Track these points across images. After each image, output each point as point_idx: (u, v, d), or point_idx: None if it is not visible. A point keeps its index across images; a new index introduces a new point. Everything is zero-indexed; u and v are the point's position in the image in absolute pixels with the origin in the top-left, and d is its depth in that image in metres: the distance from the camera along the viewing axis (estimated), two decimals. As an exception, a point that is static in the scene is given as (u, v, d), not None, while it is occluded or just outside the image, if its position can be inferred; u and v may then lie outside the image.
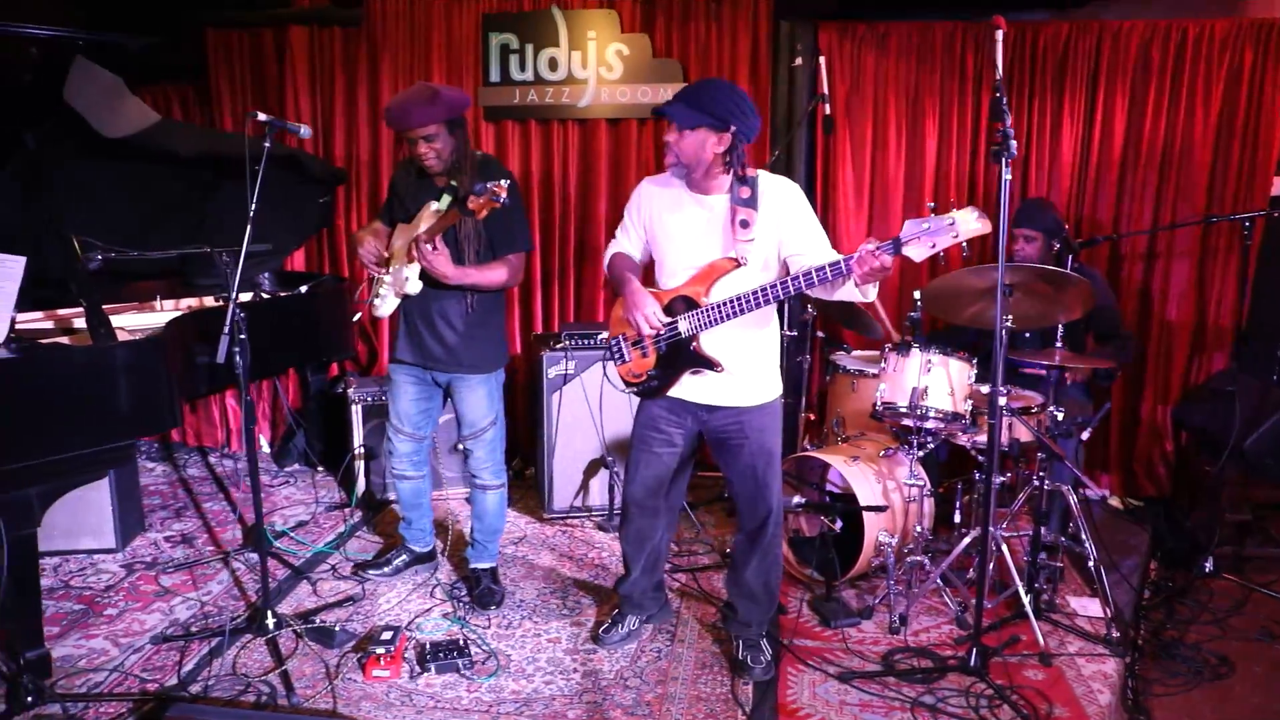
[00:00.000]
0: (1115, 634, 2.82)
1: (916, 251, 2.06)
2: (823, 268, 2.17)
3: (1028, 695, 2.50)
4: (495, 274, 2.82)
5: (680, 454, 2.62)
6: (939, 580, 2.99)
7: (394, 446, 3.11)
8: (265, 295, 3.89)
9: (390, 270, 2.90)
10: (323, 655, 2.66)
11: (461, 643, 2.68)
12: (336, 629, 2.78)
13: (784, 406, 2.64)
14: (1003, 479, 2.97)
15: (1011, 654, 2.72)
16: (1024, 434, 3.04)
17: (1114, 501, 4.15)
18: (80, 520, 3.31)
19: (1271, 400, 3.34)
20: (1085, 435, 3.01)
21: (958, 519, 3.13)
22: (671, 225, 2.46)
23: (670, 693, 2.53)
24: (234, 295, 2.52)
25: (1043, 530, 2.95)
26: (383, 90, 4.27)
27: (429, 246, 2.67)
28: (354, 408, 3.92)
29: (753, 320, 2.39)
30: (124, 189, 3.14)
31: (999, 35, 2.41)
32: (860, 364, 3.54)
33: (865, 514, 2.99)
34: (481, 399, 2.96)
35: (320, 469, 4.37)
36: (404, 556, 3.25)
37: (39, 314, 3.04)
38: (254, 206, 2.51)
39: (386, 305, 2.94)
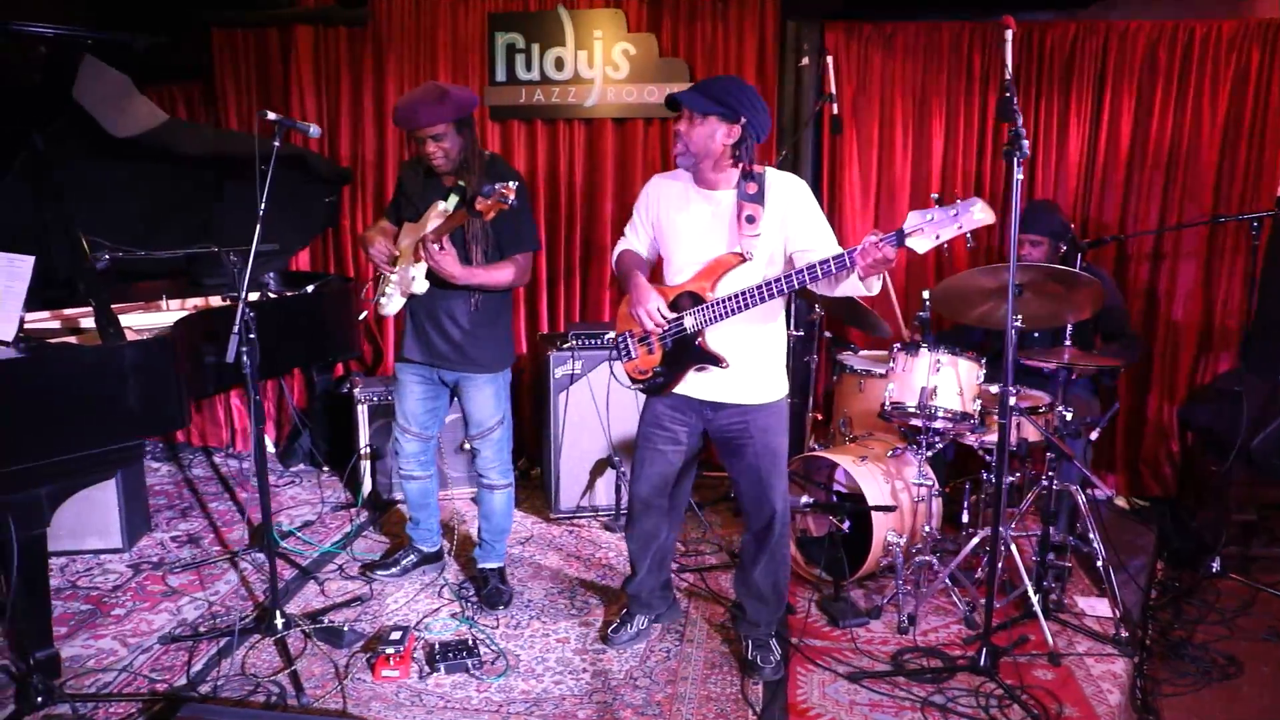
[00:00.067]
0: (1124, 634, 2.82)
1: (920, 243, 2.06)
2: (826, 261, 2.17)
3: (1038, 695, 2.50)
4: (502, 274, 2.82)
5: (686, 452, 2.61)
6: (947, 580, 2.99)
7: (401, 447, 3.11)
8: (272, 295, 3.88)
9: (397, 269, 2.90)
10: (331, 655, 2.66)
11: (470, 643, 2.67)
12: (345, 629, 2.78)
13: (791, 407, 2.64)
14: (1011, 479, 2.97)
15: (1021, 654, 2.72)
16: (1031, 434, 3.04)
17: (1120, 501, 4.15)
18: (87, 520, 3.30)
19: (1278, 400, 3.34)
20: (1094, 435, 3.01)
21: (965, 519, 3.13)
22: (678, 221, 2.47)
23: (680, 692, 2.53)
24: (243, 295, 2.52)
25: (1051, 530, 2.95)
26: (388, 90, 4.27)
27: (436, 246, 2.66)
28: (360, 407, 3.92)
29: (758, 317, 2.40)
30: (131, 188, 3.14)
31: (1008, 35, 2.40)
32: (867, 364, 3.53)
33: (874, 514, 2.99)
34: (489, 398, 2.96)
35: (326, 469, 4.36)
36: (412, 557, 3.24)
37: (45, 313, 3.04)
38: (263, 206, 2.51)
39: (393, 304, 2.94)
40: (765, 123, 2.35)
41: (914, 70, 4.02)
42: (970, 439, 3.10)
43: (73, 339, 2.82)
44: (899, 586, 2.94)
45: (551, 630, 2.88)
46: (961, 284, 3.11)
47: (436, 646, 2.67)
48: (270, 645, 2.70)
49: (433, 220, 2.76)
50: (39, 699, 2.32)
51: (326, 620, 2.88)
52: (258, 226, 2.51)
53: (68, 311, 3.08)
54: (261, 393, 4.47)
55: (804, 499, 3.13)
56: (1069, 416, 2.93)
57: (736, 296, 2.31)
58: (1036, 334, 3.45)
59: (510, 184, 2.48)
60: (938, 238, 2.04)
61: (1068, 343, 3.01)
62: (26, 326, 2.54)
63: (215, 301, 3.65)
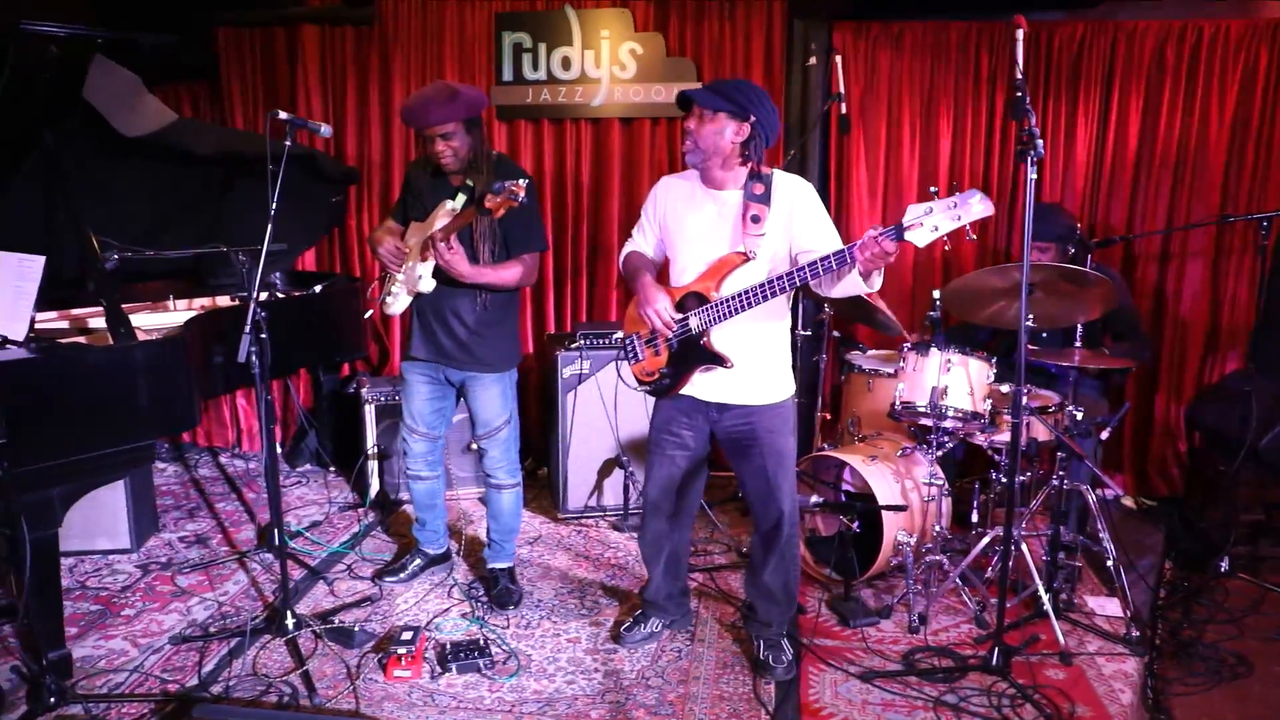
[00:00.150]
0: (1135, 633, 2.82)
1: (919, 236, 2.06)
2: (827, 257, 2.18)
3: (1050, 695, 2.50)
4: (509, 273, 2.82)
5: (693, 455, 2.61)
6: (957, 580, 2.99)
7: (408, 447, 3.10)
8: (280, 295, 3.88)
9: (404, 268, 2.89)
10: (343, 656, 2.66)
11: (482, 643, 2.67)
12: (355, 629, 2.77)
13: (799, 407, 2.63)
14: (1021, 478, 2.97)
15: (1032, 653, 2.72)
16: (1041, 433, 3.04)
17: (1127, 501, 4.15)
18: (95, 521, 3.29)
19: (1287, 400, 3.34)
20: (1105, 435, 3.01)
21: (975, 518, 3.13)
22: (684, 220, 2.47)
23: (693, 692, 2.52)
24: (254, 294, 2.52)
25: (1061, 529, 2.95)
26: (394, 90, 4.26)
27: (444, 245, 2.66)
28: (367, 408, 3.91)
29: (763, 317, 2.40)
30: (139, 188, 3.13)
31: (1020, 35, 2.40)
32: (876, 363, 3.53)
33: (885, 514, 2.99)
34: (495, 397, 2.96)
35: (332, 469, 4.36)
36: (419, 560, 3.24)
37: (53, 314, 3.03)
38: (274, 206, 2.51)
39: (399, 303, 2.94)
40: (774, 124, 2.36)
41: (921, 70, 4.02)
42: (980, 439, 3.10)
43: (81, 339, 2.81)
44: (909, 586, 2.93)
45: (562, 630, 2.88)
46: (972, 284, 3.11)
47: (448, 646, 2.67)
48: (281, 646, 2.70)
49: (441, 219, 2.76)
50: (52, 699, 2.31)
51: (337, 620, 2.87)
52: (270, 226, 2.50)
53: (74, 312, 3.07)
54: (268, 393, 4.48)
55: (813, 498, 3.13)
56: (1079, 416, 2.93)
57: (739, 296, 2.32)
58: (1045, 334, 3.45)
59: (520, 181, 2.50)
60: (936, 229, 2.04)
61: (1078, 343, 3.01)
62: (36, 327, 2.54)
63: (222, 301, 3.64)
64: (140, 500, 3.44)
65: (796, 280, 2.25)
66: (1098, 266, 3.46)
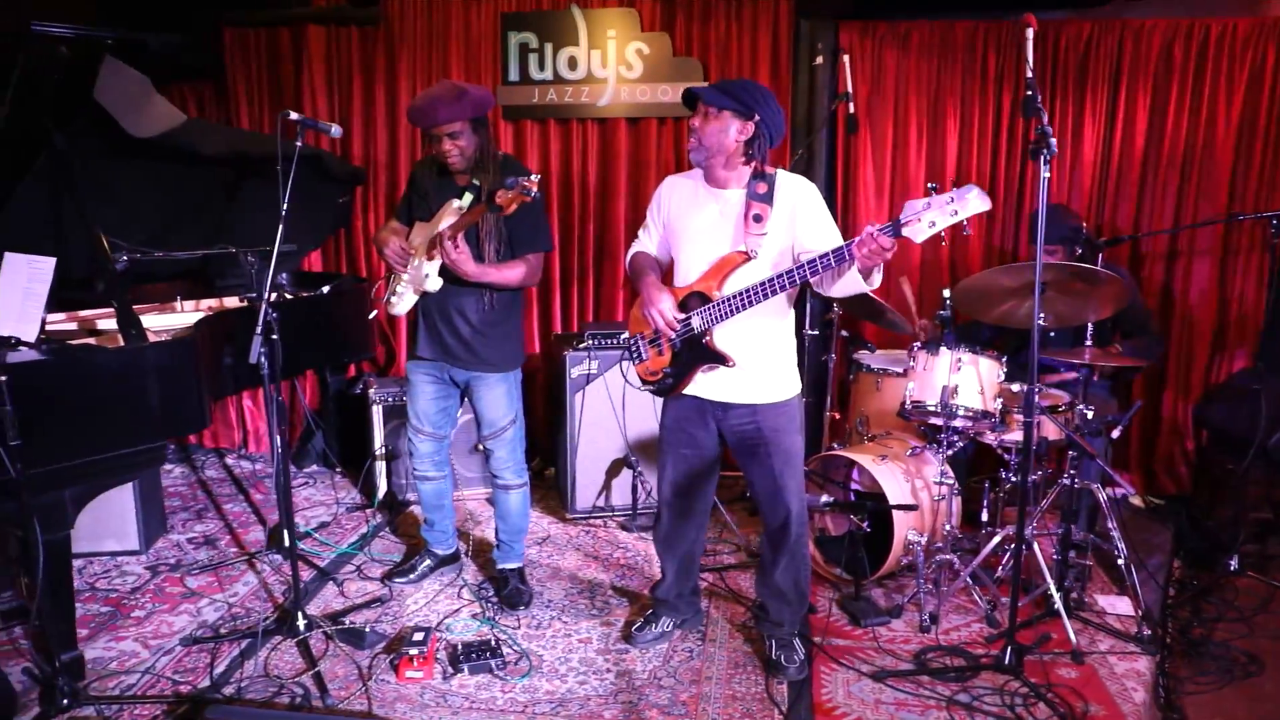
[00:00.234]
0: (1146, 632, 2.82)
1: (916, 231, 2.06)
2: (826, 254, 2.18)
3: (1063, 693, 2.50)
4: (514, 273, 2.81)
5: (703, 455, 2.61)
6: (968, 579, 2.98)
7: (414, 447, 3.10)
8: (287, 295, 3.88)
9: (409, 267, 2.89)
10: (354, 657, 2.66)
11: (493, 643, 2.67)
12: (366, 630, 2.77)
13: (807, 406, 2.63)
14: (1032, 477, 2.96)
15: (1044, 652, 2.72)
16: (1051, 432, 3.03)
17: (1135, 500, 4.15)
18: (104, 522, 3.29)
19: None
20: (1115, 434, 3.00)
21: (985, 517, 3.13)
22: (687, 219, 2.48)
23: (705, 692, 2.52)
24: (265, 295, 2.51)
25: (1072, 528, 2.95)
26: (400, 90, 4.26)
27: (451, 244, 2.66)
28: (375, 408, 3.91)
29: (766, 315, 2.40)
30: (148, 189, 3.13)
31: (1029, 33, 2.39)
32: (884, 363, 3.53)
33: (895, 513, 2.98)
34: (500, 397, 2.95)
35: (339, 470, 4.36)
36: (428, 561, 3.23)
37: (61, 315, 3.03)
38: (285, 206, 2.50)
39: (404, 303, 2.94)
40: (779, 124, 2.36)
41: (928, 69, 4.02)
42: (990, 438, 3.09)
43: (90, 340, 2.81)
44: (920, 585, 2.93)
45: (573, 630, 2.88)
46: (982, 283, 3.10)
47: (459, 647, 2.66)
48: (292, 647, 2.70)
49: (447, 217, 2.75)
50: (64, 701, 2.31)
51: (348, 622, 2.87)
52: (280, 227, 2.50)
53: (83, 313, 3.07)
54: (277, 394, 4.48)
55: (823, 498, 3.13)
56: (1089, 415, 2.92)
57: (740, 294, 2.32)
58: (1054, 333, 3.45)
59: (533, 177, 2.50)
60: (933, 225, 2.04)
61: (1088, 342, 3.01)
62: (46, 328, 2.53)
63: (230, 302, 3.64)
64: (149, 502, 3.43)
65: (796, 278, 2.25)
66: (1107, 265, 3.46)
